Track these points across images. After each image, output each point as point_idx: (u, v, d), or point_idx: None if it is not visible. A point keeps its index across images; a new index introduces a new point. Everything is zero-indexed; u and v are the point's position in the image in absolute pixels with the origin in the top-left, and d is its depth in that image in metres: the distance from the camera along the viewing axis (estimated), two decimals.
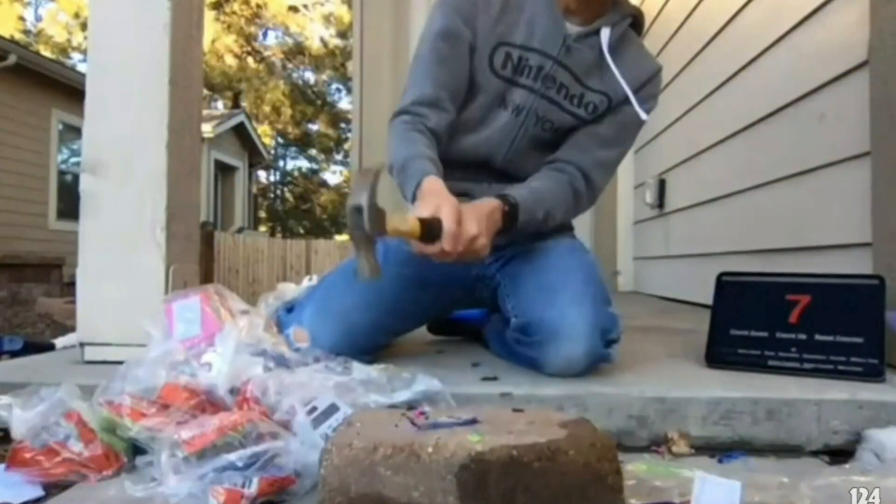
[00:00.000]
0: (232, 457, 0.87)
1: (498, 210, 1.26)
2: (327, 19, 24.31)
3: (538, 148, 1.44)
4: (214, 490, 0.85)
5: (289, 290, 1.54)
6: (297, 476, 0.90)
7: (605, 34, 1.36)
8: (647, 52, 1.49)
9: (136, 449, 1.01)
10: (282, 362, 1.15)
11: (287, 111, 23.57)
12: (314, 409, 0.99)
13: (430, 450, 0.71)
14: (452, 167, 1.44)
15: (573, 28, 1.37)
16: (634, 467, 0.99)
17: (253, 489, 0.85)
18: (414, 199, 1.20)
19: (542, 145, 1.44)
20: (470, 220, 1.15)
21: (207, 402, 1.06)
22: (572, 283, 1.32)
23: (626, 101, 1.38)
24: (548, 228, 1.41)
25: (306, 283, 1.60)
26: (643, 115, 1.40)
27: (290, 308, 1.43)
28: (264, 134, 20.75)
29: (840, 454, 1.11)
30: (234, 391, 1.08)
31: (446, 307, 1.65)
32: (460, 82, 1.37)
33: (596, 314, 1.26)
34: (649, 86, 1.43)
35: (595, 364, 1.26)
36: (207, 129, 12.24)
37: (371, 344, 1.39)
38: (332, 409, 1.00)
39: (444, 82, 1.35)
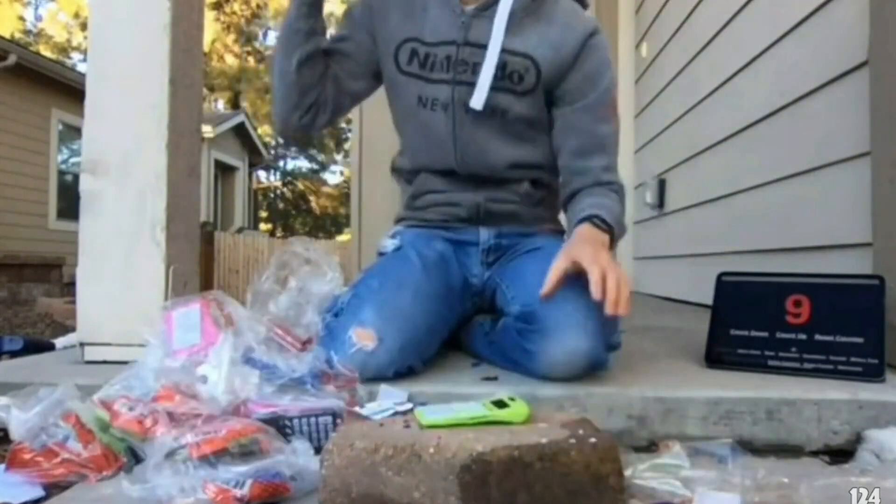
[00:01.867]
0: (230, 474, 0.87)
1: (596, 233, 1.26)
2: (327, 19, 24.28)
3: (497, 137, 1.41)
4: (207, 486, 0.85)
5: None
6: (293, 481, 0.90)
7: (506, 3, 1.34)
8: (579, 11, 1.42)
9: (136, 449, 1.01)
10: (272, 372, 1.11)
11: None
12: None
13: (431, 450, 0.71)
14: (431, 184, 1.48)
15: (470, 6, 1.36)
16: (634, 467, 0.99)
17: (245, 491, 0.85)
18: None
19: (501, 134, 1.41)
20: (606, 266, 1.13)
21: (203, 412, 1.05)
22: (579, 280, 1.27)
23: (569, 74, 1.36)
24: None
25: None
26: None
27: (336, 312, 1.32)
28: (264, 134, 20.73)
29: (840, 454, 1.11)
30: (231, 404, 1.08)
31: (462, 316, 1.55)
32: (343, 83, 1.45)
33: (601, 314, 1.20)
34: (592, 49, 1.37)
35: (593, 365, 1.21)
36: (207, 129, 12.23)
37: (429, 349, 1.33)
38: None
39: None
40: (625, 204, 1.41)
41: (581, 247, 1.20)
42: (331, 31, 1.47)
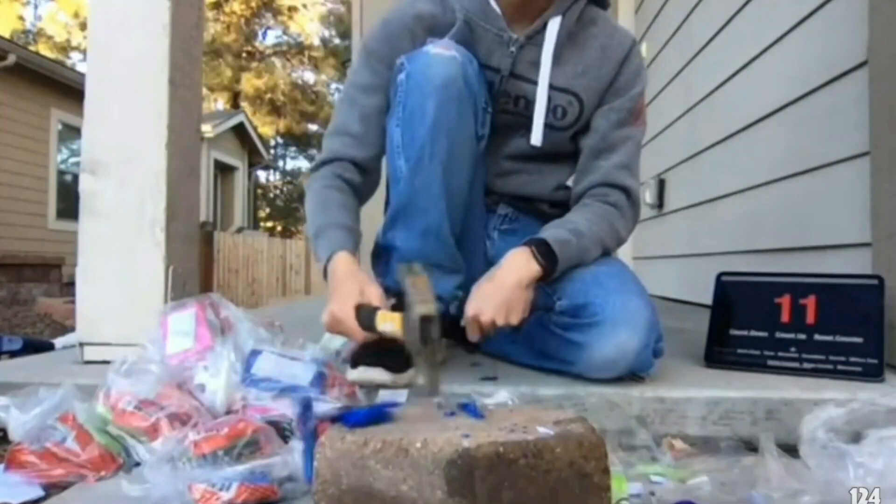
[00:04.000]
0: (217, 476, 0.87)
1: (522, 263, 1.21)
2: (327, 19, 24.33)
3: (533, 164, 1.41)
4: (193, 488, 0.85)
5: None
6: (290, 482, 0.90)
7: (554, 26, 1.30)
8: (615, 28, 1.40)
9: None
10: (272, 385, 1.11)
11: (287, 111, 23.57)
12: None
13: (418, 445, 0.73)
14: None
15: (518, 32, 1.32)
16: (634, 467, 0.99)
17: (231, 494, 0.85)
18: (325, 273, 1.22)
19: (535, 160, 1.40)
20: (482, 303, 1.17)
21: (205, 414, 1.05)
22: (633, 278, 1.28)
23: (605, 97, 1.35)
24: (601, 252, 1.32)
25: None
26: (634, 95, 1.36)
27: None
28: (264, 133, 20.76)
29: None
30: (230, 412, 1.08)
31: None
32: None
33: (655, 315, 1.20)
34: (627, 65, 1.35)
35: (641, 364, 1.19)
36: (207, 128, 12.24)
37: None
38: None
39: (369, 122, 1.34)
40: (631, 213, 1.37)
41: (480, 290, 1.20)
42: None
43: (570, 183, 1.43)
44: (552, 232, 1.27)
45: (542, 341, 1.30)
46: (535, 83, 1.33)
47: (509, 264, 1.22)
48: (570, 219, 1.33)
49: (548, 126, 1.35)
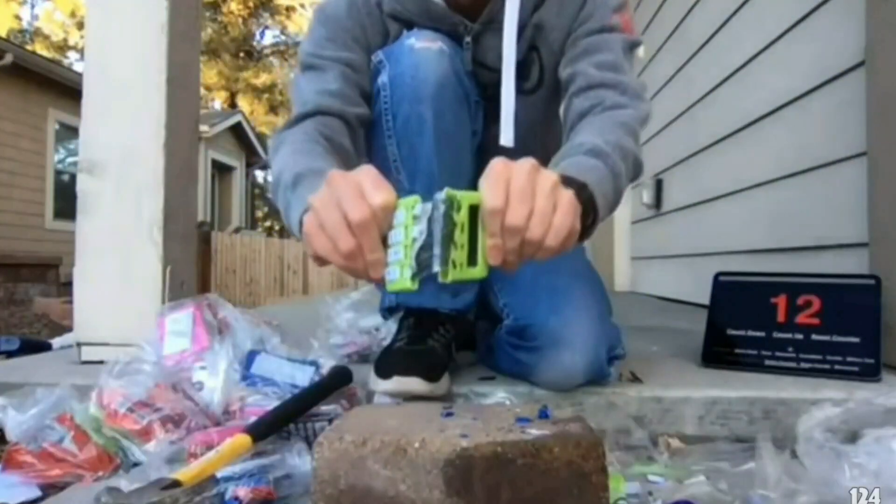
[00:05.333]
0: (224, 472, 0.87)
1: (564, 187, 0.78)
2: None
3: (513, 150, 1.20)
4: None
5: None
6: (287, 479, 0.89)
7: (514, 6, 1.12)
8: None
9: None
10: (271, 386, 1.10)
11: (284, 111, 23.56)
12: None
13: (416, 445, 0.73)
14: None
15: (476, 22, 1.17)
16: (631, 467, 1.00)
17: (227, 496, 0.85)
18: (301, 224, 0.83)
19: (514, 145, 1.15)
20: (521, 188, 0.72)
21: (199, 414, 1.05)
22: (580, 287, 1.17)
23: (573, 29, 1.16)
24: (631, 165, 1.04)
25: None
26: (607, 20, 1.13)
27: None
28: (262, 133, 20.74)
29: None
30: (227, 412, 1.08)
31: None
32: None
33: (603, 327, 1.13)
34: (589, 5, 1.16)
35: (594, 377, 1.14)
36: (204, 128, 12.23)
37: None
38: None
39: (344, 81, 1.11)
40: (635, 105, 1.09)
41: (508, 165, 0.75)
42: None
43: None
44: (576, 165, 0.90)
45: (505, 358, 1.24)
46: (496, 71, 1.15)
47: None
48: (581, 140, 0.98)
49: (519, 93, 1.15)
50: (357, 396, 1.14)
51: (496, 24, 1.16)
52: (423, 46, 1.09)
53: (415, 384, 1.06)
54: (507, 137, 1.14)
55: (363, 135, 1.17)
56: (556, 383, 1.14)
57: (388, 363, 1.09)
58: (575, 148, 0.96)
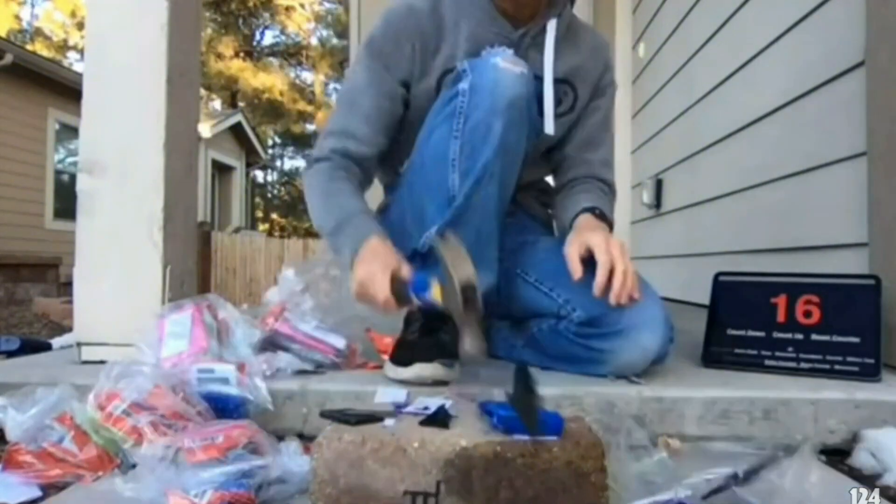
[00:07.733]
0: (213, 473, 0.87)
1: (598, 223, 1.30)
2: (325, 19, 24.32)
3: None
4: (169, 495, 0.85)
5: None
6: (269, 487, 0.89)
7: (553, 25, 1.36)
8: (594, 30, 1.53)
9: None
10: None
11: (284, 111, 23.55)
12: None
13: (416, 444, 0.73)
14: None
15: (520, 29, 1.35)
16: (632, 467, 0.99)
17: (204, 501, 0.85)
18: (352, 264, 1.18)
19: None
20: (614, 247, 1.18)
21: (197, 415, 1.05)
22: (638, 278, 1.28)
23: (592, 94, 1.44)
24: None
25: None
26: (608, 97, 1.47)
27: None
28: (262, 133, 20.73)
29: (837, 454, 1.12)
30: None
31: None
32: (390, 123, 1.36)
33: (665, 309, 1.26)
34: (608, 68, 1.47)
35: (661, 358, 1.25)
36: (205, 128, 12.22)
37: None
38: None
39: (372, 120, 1.33)
40: (613, 206, 1.45)
41: (591, 234, 1.22)
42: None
43: (549, 179, 1.55)
44: (593, 201, 1.36)
45: (560, 348, 1.32)
46: (539, 79, 1.35)
47: (593, 223, 1.30)
48: (581, 197, 1.39)
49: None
50: (358, 353, 1.26)
51: (540, 39, 1.36)
52: (507, 67, 1.20)
53: (436, 370, 1.17)
54: (549, 126, 1.36)
55: (373, 167, 1.39)
56: (632, 364, 1.23)
57: (406, 353, 1.20)
58: (579, 201, 1.38)
